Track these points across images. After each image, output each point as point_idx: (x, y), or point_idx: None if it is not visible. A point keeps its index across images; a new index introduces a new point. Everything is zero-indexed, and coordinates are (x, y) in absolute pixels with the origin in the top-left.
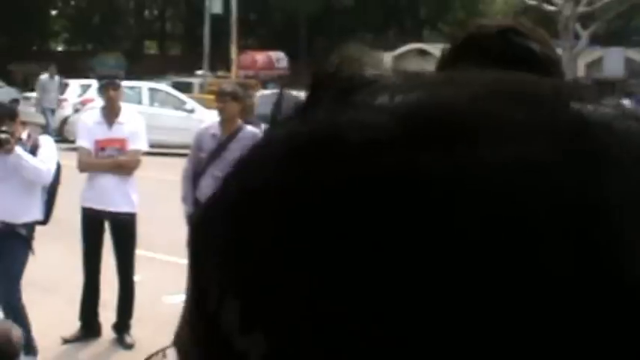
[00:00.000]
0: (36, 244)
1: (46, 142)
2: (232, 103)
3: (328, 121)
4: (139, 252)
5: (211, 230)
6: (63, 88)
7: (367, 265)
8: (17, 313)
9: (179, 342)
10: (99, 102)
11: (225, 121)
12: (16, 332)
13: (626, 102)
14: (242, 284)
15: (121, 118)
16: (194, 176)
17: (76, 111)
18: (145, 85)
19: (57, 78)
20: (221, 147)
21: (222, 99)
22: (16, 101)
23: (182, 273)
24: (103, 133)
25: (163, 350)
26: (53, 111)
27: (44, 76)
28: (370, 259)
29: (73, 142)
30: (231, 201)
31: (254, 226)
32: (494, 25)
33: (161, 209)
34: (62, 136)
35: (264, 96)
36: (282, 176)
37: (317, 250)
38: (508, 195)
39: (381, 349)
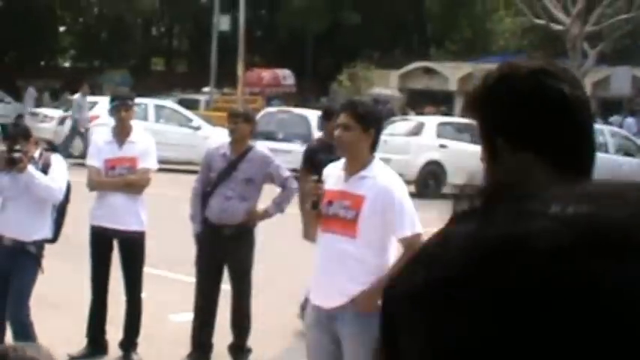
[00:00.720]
0: (43, 260)
1: (57, 160)
2: (244, 125)
3: (511, 227)
4: (144, 269)
5: (405, 309)
6: (69, 104)
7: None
8: (26, 330)
9: None
10: (104, 118)
11: (235, 142)
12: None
13: (631, 120)
14: (433, 355)
15: (131, 137)
16: (203, 196)
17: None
18: (151, 102)
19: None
20: (231, 167)
21: (234, 120)
22: (20, 117)
23: (187, 291)
24: (113, 152)
25: None
26: (87, 130)
27: (77, 96)
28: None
29: (77, 157)
30: (419, 288)
31: (453, 312)
32: (525, 65)
33: (166, 226)
34: (67, 152)
35: (268, 113)
36: (475, 272)
37: (513, 339)
38: None
39: None
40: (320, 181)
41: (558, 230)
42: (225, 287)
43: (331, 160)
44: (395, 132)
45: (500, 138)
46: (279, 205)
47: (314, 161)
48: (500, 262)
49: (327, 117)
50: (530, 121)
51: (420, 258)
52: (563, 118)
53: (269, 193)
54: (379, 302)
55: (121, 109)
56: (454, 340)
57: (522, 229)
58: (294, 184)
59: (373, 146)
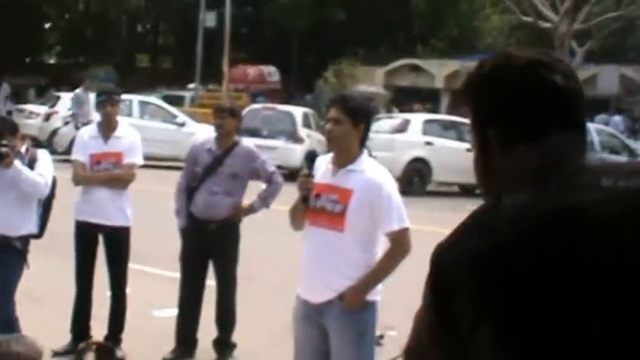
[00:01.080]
0: (28, 255)
1: (43, 155)
2: (230, 120)
3: (569, 197)
4: (129, 265)
5: (461, 273)
6: (54, 100)
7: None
8: (11, 326)
9: (418, 353)
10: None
11: (221, 137)
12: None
13: (618, 119)
14: (498, 317)
15: (117, 132)
16: (188, 190)
17: (66, 124)
18: (135, 98)
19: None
20: (217, 162)
21: (220, 115)
22: (10, 113)
23: (171, 286)
24: (99, 147)
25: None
26: (86, 124)
27: (79, 90)
28: (609, 310)
29: (62, 153)
30: (480, 253)
31: (508, 275)
32: (523, 56)
33: (151, 222)
34: (51, 147)
35: (253, 110)
36: (536, 238)
37: (560, 294)
38: None
39: None
40: (310, 175)
41: (612, 201)
42: (210, 283)
43: None
44: (380, 129)
45: (491, 128)
46: (264, 200)
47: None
48: (561, 229)
49: None
50: (523, 112)
51: (472, 227)
52: (557, 111)
53: (255, 189)
54: (367, 297)
55: (107, 104)
56: (517, 300)
57: (579, 199)
58: (280, 179)
59: (362, 141)
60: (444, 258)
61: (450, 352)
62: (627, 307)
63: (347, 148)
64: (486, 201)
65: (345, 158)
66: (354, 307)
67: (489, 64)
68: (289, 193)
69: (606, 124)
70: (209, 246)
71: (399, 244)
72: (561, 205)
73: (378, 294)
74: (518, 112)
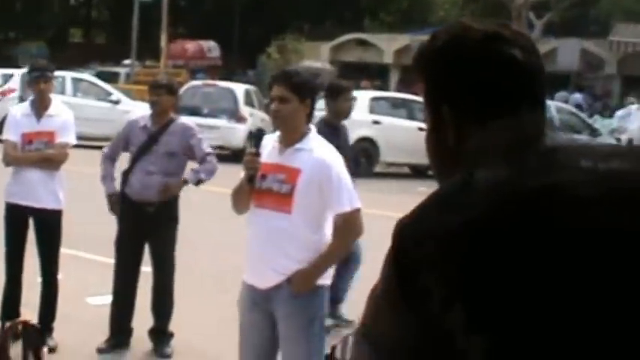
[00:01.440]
0: None
1: None
2: (167, 97)
3: (548, 176)
4: (61, 249)
5: (429, 248)
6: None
7: (582, 289)
8: None
9: (375, 333)
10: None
11: (157, 115)
12: None
13: (579, 96)
14: (470, 294)
15: (50, 110)
16: (123, 173)
17: None
18: (68, 75)
19: None
20: (151, 140)
21: (156, 91)
22: None
23: (106, 272)
24: (31, 125)
25: (345, 338)
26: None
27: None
28: (587, 288)
29: None
30: (452, 227)
31: (483, 251)
32: (480, 28)
33: (83, 205)
34: None
35: (192, 87)
36: (511, 213)
37: (541, 273)
38: None
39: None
40: (257, 153)
41: (596, 182)
42: (147, 270)
43: (338, 145)
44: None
45: (445, 105)
46: (197, 173)
47: None
48: (542, 207)
49: (333, 95)
50: (479, 88)
51: (442, 201)
52: (516, 87)
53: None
54: (316, 282)
55: (39, 80)
56: (492, 279)
57: (561, 178)
58: (214, 161)
59: (309, 117)
60: (410, 232)
61: (416, 326)
62: (610, 291)
63: (294, 126)
64: (439, 182)
65: (292, 137)
66: (304, 291)
67: (443, 36)
68: (231, 175)
69: (566, 101)
70: (146, 229)
71: (351, 225)
72: (543, 183)
73: (328, 278)
74: (474, 89)
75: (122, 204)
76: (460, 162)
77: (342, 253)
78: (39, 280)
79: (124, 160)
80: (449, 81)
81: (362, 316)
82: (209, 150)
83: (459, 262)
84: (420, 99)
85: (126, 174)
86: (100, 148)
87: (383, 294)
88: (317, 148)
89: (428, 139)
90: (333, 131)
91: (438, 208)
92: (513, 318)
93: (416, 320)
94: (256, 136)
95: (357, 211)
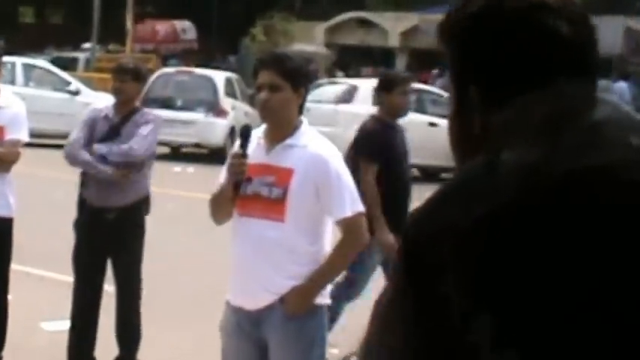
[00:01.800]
0: None
1: None
2: (132, 84)
3: (588, 154)
4: (11, 266)
5: (448, 248)
6: None
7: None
8: None
9: (382, 351)
10: None
11: (121, 104)
12: None
13: (623, 85)
14: (499, 302)
15: None
16: (81, 174)
17: None
18: (18, 61)
19: None
20: (113, 131)
21: (120, 77)
22: None
23: (61, 292)
24: None
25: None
26: None
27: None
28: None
29: None
30: (474, 223)
31: (513, 249)
32: None
33: (35, 214)
34: None
35: (164, 75)
36: (548, 200)
37: (589, 273)
38: None
39: None
40: (244, 155)
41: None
42: (111, 289)
43: (394, 148)
44: (321, 98)
45: (473, 85)
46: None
47: (374, 147)
48: (587, 192)
49: (387, 88)
50: (515, 65)
51: (461, 188)
52: (558, 64)
53: (184, 176)
54: (313, 301)
55: None
56: (524, 279)
57: (605, 158)
58: (134, 151)
59: (301, 109)
60: (425, 227)
61: (425, 335)
62: None
63: (287, 119)
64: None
65: (282, 131)
66: (299, 312)
67: (480, 0)
68: (209, 178)
69: (607, 92)
70: (107, 240)
71: (354, 233)
72: (584, 164)
73: (327, 296)
74: (509, 65)
75: (79, 212)
76: (493, 142)
77: (343, 266)
78: None
79: None
80: (481, 54)
81: (366, 331)
82: (146, 133)
83: (484, 263)
84: (431, 89)
85: (84, 174)
86: (56, 147)
87: (391, 304)
88: (311, 142)
89: (450, 125)
90: (387, 130)
91: (457, 197)
92: (554, 329)
93: (431, 334)
94: (243, 134)
95: (360, 215)
